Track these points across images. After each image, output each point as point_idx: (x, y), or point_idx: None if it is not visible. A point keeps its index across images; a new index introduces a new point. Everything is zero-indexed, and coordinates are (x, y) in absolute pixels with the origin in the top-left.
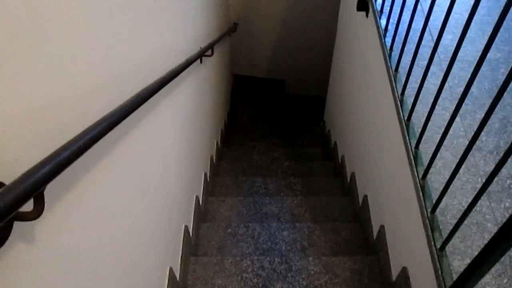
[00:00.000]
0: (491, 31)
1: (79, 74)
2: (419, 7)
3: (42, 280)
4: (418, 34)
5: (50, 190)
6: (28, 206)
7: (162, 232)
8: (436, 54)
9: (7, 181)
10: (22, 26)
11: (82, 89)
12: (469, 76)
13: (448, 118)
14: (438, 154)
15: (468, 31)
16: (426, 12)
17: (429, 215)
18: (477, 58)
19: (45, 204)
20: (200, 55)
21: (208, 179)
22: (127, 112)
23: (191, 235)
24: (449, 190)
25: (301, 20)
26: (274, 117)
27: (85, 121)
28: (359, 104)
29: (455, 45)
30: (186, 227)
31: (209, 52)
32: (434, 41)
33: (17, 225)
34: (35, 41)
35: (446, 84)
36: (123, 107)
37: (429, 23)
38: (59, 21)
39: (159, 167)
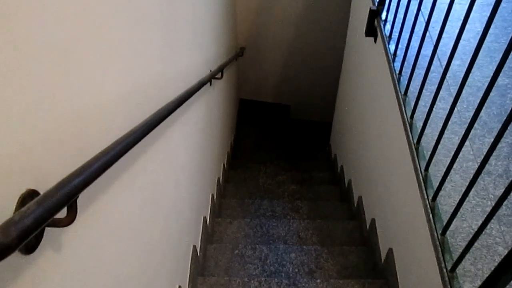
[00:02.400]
0: (498, 57)
1: (106, 92)
2: (427, 33)
3: None
4: (427, 60)
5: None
6: (61, 213)
7: (173, 251)
8: (444, 79)
9: (41, 189)
10: (56, 44)
11: (107, 106)
12: (477, 101)
13: (457, 141)
14: (448, 177)
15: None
16: (434, 38)
17: (439, 237)
18: (485, 83)
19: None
20: (211, 77)
21: (215, 201)
22: (150, 128)
23: (198, 255)
24: (458, 213)
25: (307, 46)
26: (280, 141)
27: (108, 137)
28: (366, 128)
29: (463, 71)
30: (195, 247)
31: (219, 75)
32: (443, 66)
33: (46, 232)
34: (68, 59)
35: (455, 108)
36: (147, 122)
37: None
38: (90, 42)
39: (172, 186)
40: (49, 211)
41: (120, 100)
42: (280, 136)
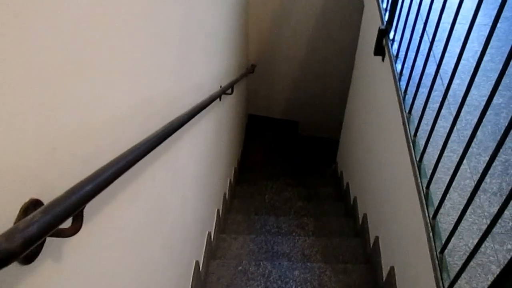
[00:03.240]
0: (494, 76)
1: (116, 104)
2: (431, 52)
3: None
4: (430, 79)
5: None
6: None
7: (174, 266)
8: (446, 98)
9: (45, 200)
10: (67, 53)
11: (117, 118)
12: (474, 119)
13: (456, 160)
14: (447, 195)
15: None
16: (437, 57)
17: (438, 256)
18: (482, 102)
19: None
20: (221, 93)
21: (220, 216)
22: (159, 140)
23: (201, 271)
24: (456, 231)
25: (316, 64)
26: (287, 157)
27: (115, 149)
28: (372, 145)
29: (462, 90)
30: (197, 263)
31: (229, 91)
32: (445, 86)
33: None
34: (80, 70)
35: (455, 127)
36: (156, 135)
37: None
38: (102, 54)
39: (178, 200)
40: (55, 220)
41: (130, 113)
42: (288, 152)
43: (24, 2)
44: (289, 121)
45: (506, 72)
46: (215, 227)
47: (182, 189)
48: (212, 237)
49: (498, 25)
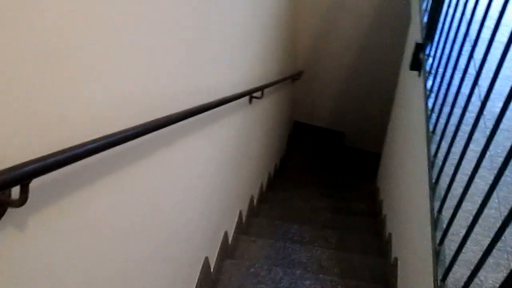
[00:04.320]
0: None
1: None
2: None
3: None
4: (462, 98)
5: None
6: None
7: (173, 259)
8: (472, 119)
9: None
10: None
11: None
12: (506, 144)
13: (482, 187)
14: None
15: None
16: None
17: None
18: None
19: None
20: (247, 95)
21: (243, 218)
22: (145, 131)
23: (212, 268)
24: (468, 261)
25: (365, 75)
26: (328, 168)
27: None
28: (401, 163)
29: (493, 112)
30: (207, 259)
31: (258, 94)
32: (477, 107)
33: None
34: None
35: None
36: (145, 125)
37: (465, 87)
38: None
39: (180, 192)
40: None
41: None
42: (329, 162)
43: None
44: (335, 131)
45: None
46: (235, 228)
47: (189, 182)
48: (229, 237)
49: None
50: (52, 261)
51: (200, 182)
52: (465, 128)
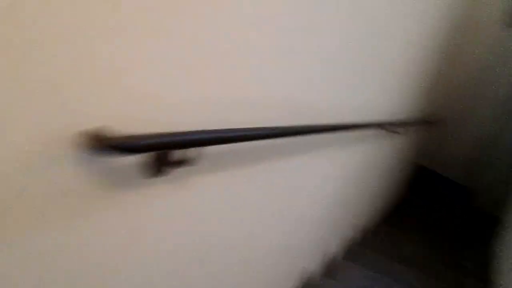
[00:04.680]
0: None
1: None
2: None
3: None
4: None
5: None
6: None
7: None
8: None
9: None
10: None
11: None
12: None
13: None
14: None
15: None
16: None
17: None
18: None
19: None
20: (389, 128)
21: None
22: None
23: (308, 280)
24: None
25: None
26: (445, 229)
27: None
28: None
29: None
30: (304, 269)
31: (399, 130)
32: None
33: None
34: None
35: None
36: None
37: None
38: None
39: (305, 205)
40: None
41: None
42: (449, 223)
43: None
44: (463, 186)
45: None
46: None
47: (310, 199)
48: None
49: None
50: (219, 208)
51: (321, 195)
52: None
